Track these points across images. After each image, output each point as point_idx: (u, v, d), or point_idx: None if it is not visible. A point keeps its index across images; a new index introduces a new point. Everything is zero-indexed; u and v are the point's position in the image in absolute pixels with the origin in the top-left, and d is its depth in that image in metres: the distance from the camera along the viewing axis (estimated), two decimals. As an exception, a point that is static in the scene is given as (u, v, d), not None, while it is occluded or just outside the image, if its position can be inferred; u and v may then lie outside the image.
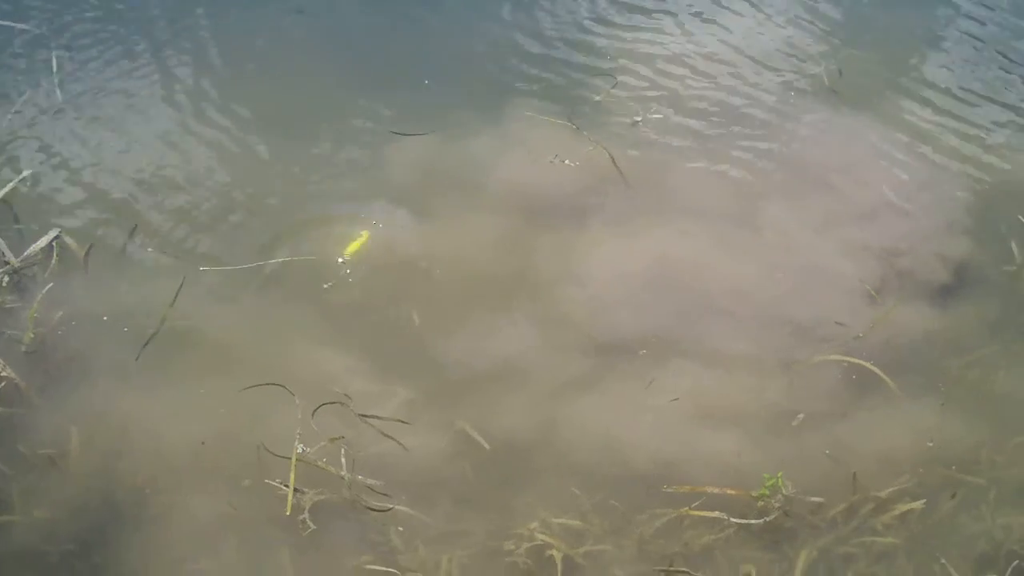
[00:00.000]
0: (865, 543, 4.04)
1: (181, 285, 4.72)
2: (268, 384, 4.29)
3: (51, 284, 4.64)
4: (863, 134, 5.87)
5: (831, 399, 4.52)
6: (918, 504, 4.12)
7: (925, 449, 4.31)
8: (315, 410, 4.22)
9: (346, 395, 4.32)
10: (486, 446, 4.26)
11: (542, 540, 3.98)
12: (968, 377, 4.64)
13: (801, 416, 4.43)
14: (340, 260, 4.89)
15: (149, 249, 4.94)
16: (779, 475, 4.07)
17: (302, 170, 5.43)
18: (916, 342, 4.75)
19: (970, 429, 4.41)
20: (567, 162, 5.54)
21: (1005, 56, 6.49)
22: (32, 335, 4.43)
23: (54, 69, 5.76)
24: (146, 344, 4.49)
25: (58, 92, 5.66)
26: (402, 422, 4.26)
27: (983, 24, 6.74)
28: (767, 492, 4.05)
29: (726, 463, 4.21)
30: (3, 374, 4.26)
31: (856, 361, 4.61)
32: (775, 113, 5.98)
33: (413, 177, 5.43)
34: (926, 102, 6.13)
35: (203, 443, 4.17)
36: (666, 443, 4.28)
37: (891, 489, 4.17)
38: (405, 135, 5.60)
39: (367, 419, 4.26)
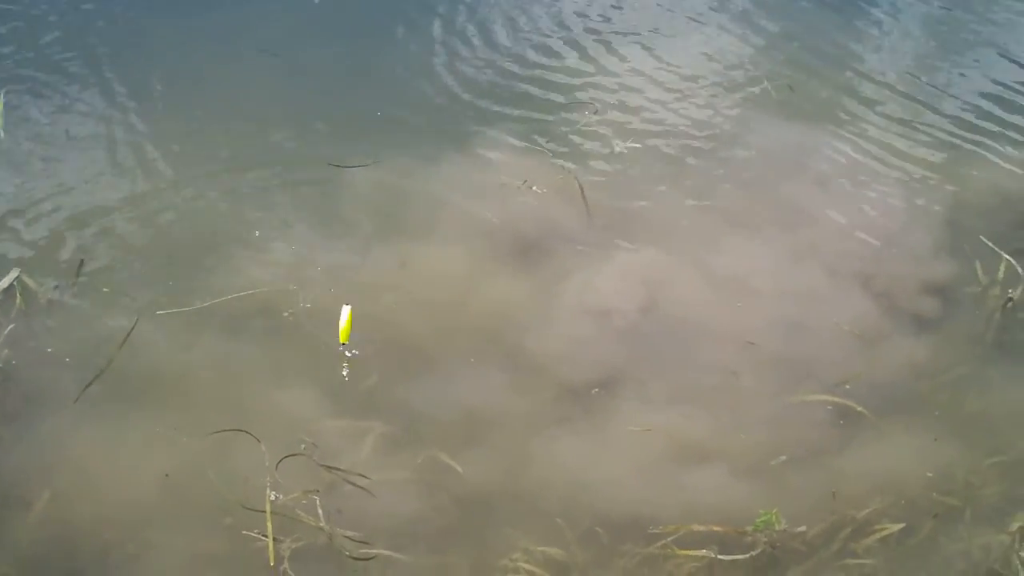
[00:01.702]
0: (847, 566, 3.90)
1: (133, 327, 4.42)
2: (233, 430, 4.04)
3: (12, 325, 4.37)
4: (823, 152, 5.76)
5: (811, 435, 4.34)
6: (897, 526, 3.98)
7: (906, 475, 4.17)
8: (279, 461, 3.97)
9: (312, 443, 4.07)
10: (459, 469, 4.05)
11: (527, 570, 3.79)
12: (940, 400, 4.51)
13: (783, 457, 4.24)
14: (342, 348, 4.46)
15: (105, 290, 4.62)
16: (774, 511, 3.89)
17: (255, 207, 5.13)
18: (892, 369, 4.60)
19: (946, 452, 4.28)
20: (535, 189, 5.32)
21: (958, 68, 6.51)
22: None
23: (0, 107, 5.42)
24: (87, 387, 4.20)
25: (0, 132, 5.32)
26: (363, 476, 3.99)
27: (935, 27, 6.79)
28: (760, 527, 3.87)
29: (709, 499, 4.01)
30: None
31: (835, 399, 4.45)
32: (737, 138, 5.84)
33: (371, 208, 5.17)
34: (879, 116, 6.07)
35: (167, 475, 3.92)
36: (648, 481, 4.10)
37: (869, 510, 4.03)
38: (347, 167, 5.33)
39: (332, 470, 4.01)
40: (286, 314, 4.59)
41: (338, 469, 4.00)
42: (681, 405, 4.39)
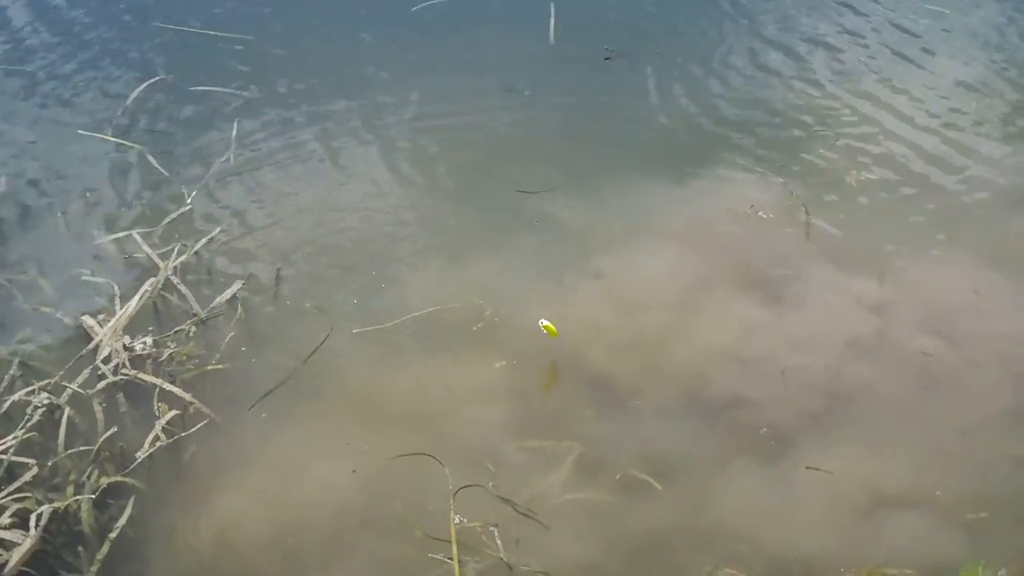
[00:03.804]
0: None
1: (323, 341, 4.52)
2: (418, 454, 4.05)
3: (233, 333, 4.55)
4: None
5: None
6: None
7: None
8: (457, 491, 3.94)
9: (493, 469, 4.02)
10: (658, 487, 3.91)
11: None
12: None
13: (984, 514, 3.83)
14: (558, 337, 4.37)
15: (307, 305, 4.73)
16: (980, 564, 3.54)
17: (472, 225, 5.14)
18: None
19: None
20: (761, 214, 5.12)
21: None
22: (192, 371, 4.39)
23: (234, 134, 5.65)
24: (264, 396, 4.31)
25: (231, 158, 5.53)
26: (536, 519, 3.88)
27: None
28: (967, 576, 3.52)
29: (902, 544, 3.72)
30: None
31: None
32: (977, 173, 5.44)
33: (587, 232, 5.08)
34: None
35: (354, 471, 3.98)
36: (843, 522, 3.84)
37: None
38: (531, 192, 5.26)
39: (507, 503, 3.93)
40: (476, 328, 4.57)
41: (513, 503, 3.92)
42: (885, 449, 4.09)
